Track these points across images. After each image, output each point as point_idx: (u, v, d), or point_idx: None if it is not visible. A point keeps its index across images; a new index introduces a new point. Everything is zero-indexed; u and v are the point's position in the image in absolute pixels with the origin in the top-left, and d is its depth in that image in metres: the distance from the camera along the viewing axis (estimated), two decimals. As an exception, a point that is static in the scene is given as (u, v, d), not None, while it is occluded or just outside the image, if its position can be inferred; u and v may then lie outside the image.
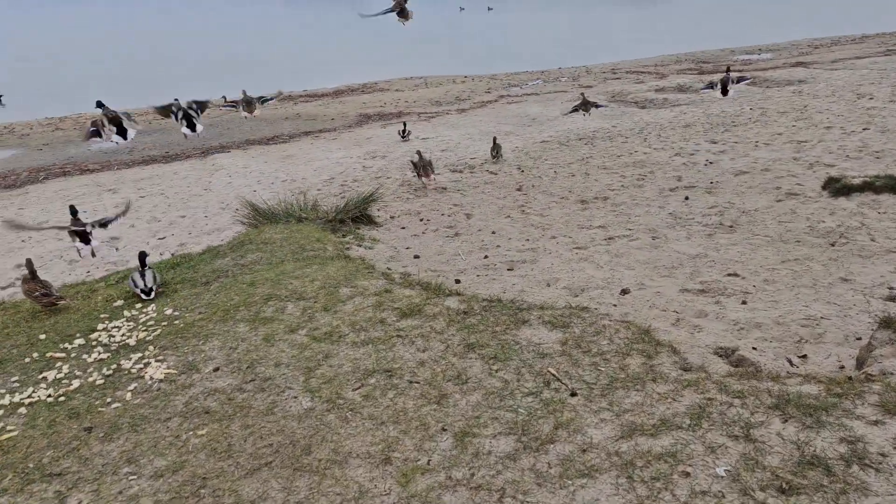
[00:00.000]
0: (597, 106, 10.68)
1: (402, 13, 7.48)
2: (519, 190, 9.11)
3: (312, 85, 21.84)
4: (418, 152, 9.66)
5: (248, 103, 7.69)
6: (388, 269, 5.77)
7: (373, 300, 4.50)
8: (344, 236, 7.08)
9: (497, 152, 10.67)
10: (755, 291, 5.21)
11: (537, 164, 10.43)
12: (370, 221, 7.77)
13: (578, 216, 7.75)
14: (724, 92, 8.24)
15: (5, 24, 62.84)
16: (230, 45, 37.22)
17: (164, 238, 8.18)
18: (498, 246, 6.82)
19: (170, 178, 11.26)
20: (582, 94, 11.93)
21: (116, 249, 7.90)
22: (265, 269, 5.39)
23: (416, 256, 6.60)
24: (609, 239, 6.79)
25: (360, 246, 6.83)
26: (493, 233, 7.31)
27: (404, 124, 13.42)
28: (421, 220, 8.01)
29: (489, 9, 56.62)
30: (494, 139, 10.85)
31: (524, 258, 6.35)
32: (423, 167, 9.21)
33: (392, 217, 8.20)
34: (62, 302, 4.98)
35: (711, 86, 8.49)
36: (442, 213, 8.23)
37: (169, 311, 4.76)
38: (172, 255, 7.15)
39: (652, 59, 23.91)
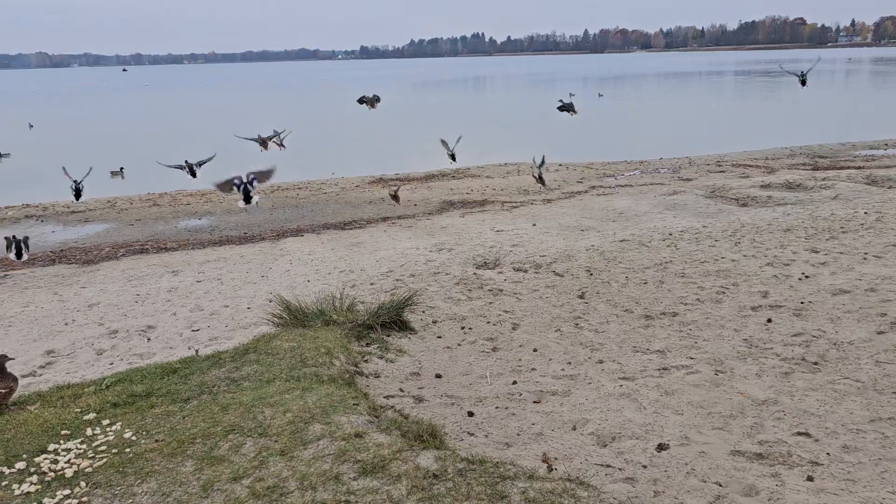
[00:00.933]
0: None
1: (264, 144, 7.42)
2: (581, 297, 8.27)
3: (408, 168, 21.97)
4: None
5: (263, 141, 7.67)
6: (389, 396, 5.11)
7: (338, 446, 3.83)
8: (368, 345, 6.50)
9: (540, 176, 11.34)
10: (828, 463, 4.13)
11: (609, 266, 9.56)
12: (405, 327, 7.16)
13: (637, 335, 6.81)
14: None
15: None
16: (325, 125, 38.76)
17: (198, 330, 7.91)
18: (533, 369, 6.01)
19: (234, 262, 11.21)
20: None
21: (148, 340, 7.68)
22: (250, 388, 4.86)
23: (438, 376, 5.90)
24: (663, 370, 5.82)
25: (382, 358, 6.21)
26: (535, 350, 6.51)
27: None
28: (462, 328, 7.33)
29: (599, 95, 56.50)
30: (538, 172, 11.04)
31: (557, 388, 5.50)
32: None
33: (434, 322, 7.56)
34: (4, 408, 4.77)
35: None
36: (488, 321, 7.51)
37: (128, 435, 4.29)
38: (196, 352, 6.81)
39: (762, 152, 22.48)
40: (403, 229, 13.34)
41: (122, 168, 22.33)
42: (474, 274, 9.57)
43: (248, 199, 8.83)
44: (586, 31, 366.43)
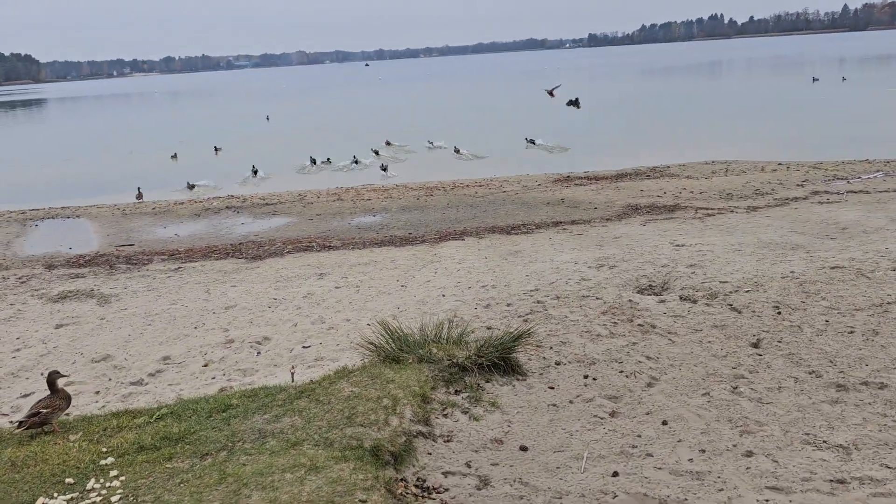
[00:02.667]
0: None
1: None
2: (755, 346, 6.49)
3: (602, 165, 20.33)
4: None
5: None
6: (449, 472, 4.06)
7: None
8: (457, 392, 5.46)
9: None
10: None
11: (808, 303, 7.53)
12: (513, 370, 6.00)
13: (817, 415, 5.03)
14: None
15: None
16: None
17: (309, 347, 7.41)
18: (649, 454, 4.58)
19: (381, 267, 10.71)
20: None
21: (258, 353, 7.32)
22: (269, 451, 4.09)
23: (523, 449, 4.70)
24: (839, 482, 4.10)
25: (467, 413, 5.15)
26: (664, 423, 5.03)
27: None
28: (585, 376, 6.00)
29: (843, 79, 49.19)
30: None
31: (671, 493, 4.06)
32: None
33: (557, 364, 6.31)
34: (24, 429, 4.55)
35: None
36: (622, 370, 6.10)
37: (115, 500, 3.73)
38: (292, 376, 6.27)
39: None
40: (571, 237, 12.00)
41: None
42: (629, 301, 8.07)
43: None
44: (845, 5, 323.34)
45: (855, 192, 14.08)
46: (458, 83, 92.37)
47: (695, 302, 7.97)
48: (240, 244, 13.40)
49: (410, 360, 5.91)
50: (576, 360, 6.41)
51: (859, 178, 15.63)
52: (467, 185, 18.06)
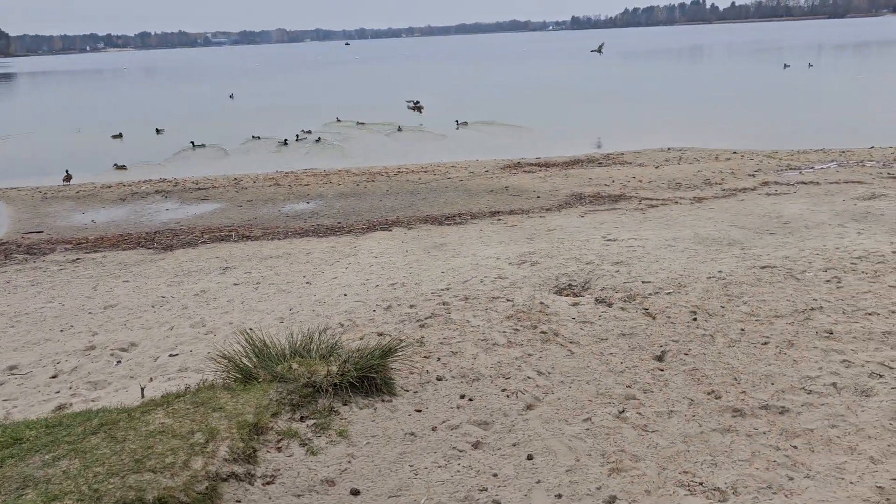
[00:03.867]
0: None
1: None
2: (658, 359, 5.87)
3: (559, 150, 19.64)
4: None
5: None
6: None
7: None
8: (303, 419, 4.77)
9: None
10: None
11: (727, 308, 6.92)
12: (381, 389, 5.31)
13: (702, 448, 4.40)
14: None
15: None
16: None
17: (176, 355, 6.66)
18: (496, 502, 3.92)
19: (293, 261, 9.97)
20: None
21: (117, 363, 6.56)
22: (14, 508, 3.36)
23: (355, 493, 4.02)
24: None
25: (305, 446, 4.46)
26: (530, 458, 4.38)
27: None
28: (462, 396, 5.33)
29: (809, 65, 49.05)
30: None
31: (503, 555, 3.41)
32: None
33: (439, 379, 5.64)
34: None
35: None
36: (505, 388, 5.43)
37: None
38: (142, 392, 5.56)
39: None
40: (504, 229, 11.32)
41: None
42: (541, 304, 7.41)
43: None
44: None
45: (805, 184, 13.53)
46: (434, 63, 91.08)
47: (610, 305, 7.34)
48: (156, 232, 12.57)
49: (262, 379, 5.20)
50: (460, 376, 5.74)
51: (812, 168, 15.10)
52: (412, 171, 17.30)
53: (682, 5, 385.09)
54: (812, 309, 6.74)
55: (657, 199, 12.93)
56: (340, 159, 20.24)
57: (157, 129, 28.37)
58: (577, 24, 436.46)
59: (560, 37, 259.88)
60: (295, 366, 5.39)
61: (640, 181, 14.76)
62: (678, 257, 8.90)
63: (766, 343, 6.05)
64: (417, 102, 32.40)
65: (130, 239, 12.08)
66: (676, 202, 12.60)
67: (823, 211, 11.11)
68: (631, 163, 17.07)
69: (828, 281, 7.54)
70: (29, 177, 19.68)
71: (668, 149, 18.78)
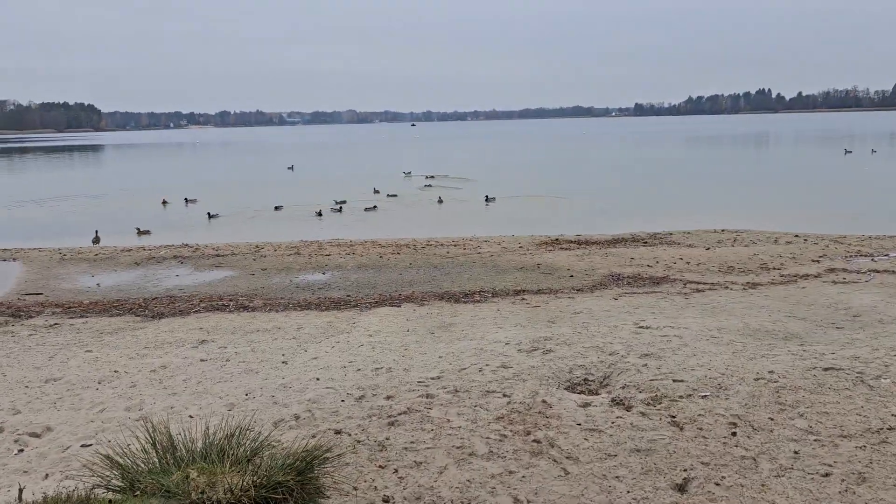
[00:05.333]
0: None
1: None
2: (679, 490, 4.43)
3: (601, 228, 18.35)
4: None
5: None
6: None
7: None
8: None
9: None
10: None
11: (777, 421, 5.42)
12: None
13: None
14: None
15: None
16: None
17: (89, 445, 5.53)
18: None
19: (279, 336, 8.87)
20: None
21: (20, 451, 5.45)
22: None
23: None
24: None
25: None
26: None
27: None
28: (402, 528, 3.99)
29: (872, 151, 47.01)
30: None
31: None
32: None
33: (385, 502, 4.33)
34: None
35: None
36: (465, 519, 4.07)
37: None
38: (19, 494, 4.45)
39: None
40: (525, 310, 10.01)
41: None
42: (543, 402, 6.05)
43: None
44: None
45: (879, 272, 11.82)
46: (491, 142, 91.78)
47: (628, 408, 5.91)
48: (154, 299, 11.74)
49: (142, 491, 4.00)
50: (413, 498, 4.41)
51: (887, 255, 13.34)
52: (441, 244, 16.24)
53: (746, 94, 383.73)
54: (890, 429, 5.18)
55: (704, 283, 11.43)
56: (371, 230, 19.44)
57: (185, 199, 28.30)
58: (640, 110, 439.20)
59: (622, 122, 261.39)
60: (194, 474, 4.17)
61: (688, 263, 13.28)
62: (721, 351, 7.41)
63: (827, 475, 4.53)
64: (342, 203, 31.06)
65: (124, 305, 11.26)
66: (726, 287, 11.08)
67: (902, 304, 9.44)
68: (679, 243, 15.61)
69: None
70: (64, 237, 19.53)
71: (723, 230, 17.24)
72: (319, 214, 22.80)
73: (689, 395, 6.11)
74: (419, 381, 6.82)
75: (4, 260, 15.80)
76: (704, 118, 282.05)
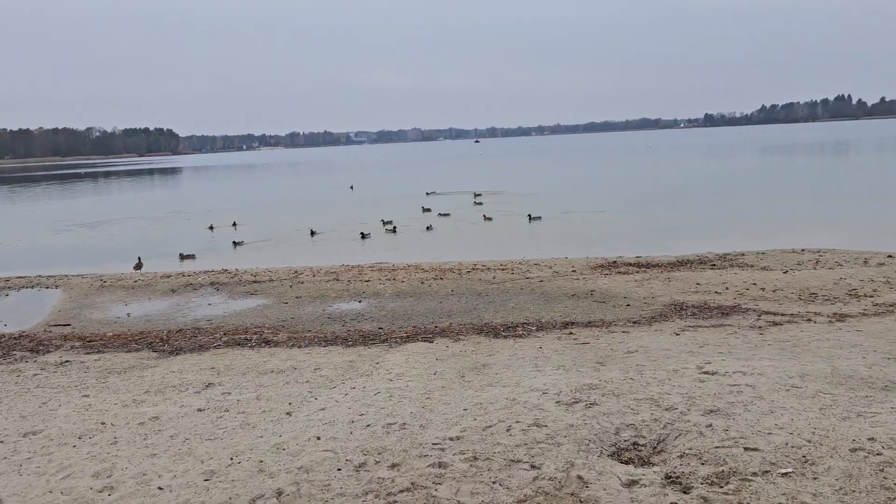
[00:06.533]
0: None
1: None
2: None
3: (665, 248, 16.92)
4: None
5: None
6: None
7: None
8: None
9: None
10: None
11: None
12: None
13: None
14: None
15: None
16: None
17: (33, 525, 4.70)
18: None
19: (293, 378, 7.98)
20: None
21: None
22: None
23: None
24: None
25: None
26: None
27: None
28: None
29: None
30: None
31: None
32: None
33: None
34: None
35: None
36: None
37: None
38: None
39: None
40: (572, 347, 8.84)
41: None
42: (578, 478, 4.91)
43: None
44: None
45: None
46: (552, 157, 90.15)
47: (687, 490, 4.71)
48: (178, 331, 11.08)
49: None
50: None
51: None
52: (487, 269, 15.16)
53: (825, 101, 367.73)
54: None
55: (782, 315, 9.97)
56: (417, 252, 18.54)
57: (233, 223, 28.06)
58: (710, 121, 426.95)
59: (691, 133, 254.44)
60: None
61: (763, 289, 11.79)
62: (805, 407, 6.08)
63: None
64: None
65: (146, 338, 10.63)
66: (809, 319, 9.60)
67: None
68: (753, 265, 14.06)
69: None
70: (112, 262, 19.40)
71: (802, 250, 15.53)
72: (363, 236, 22.07)
73: (766, 472, 4.85)
74: (434, 443, 5.76)
75: (47, 287, 15.59)
76: (779, 127, 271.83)
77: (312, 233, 23.71)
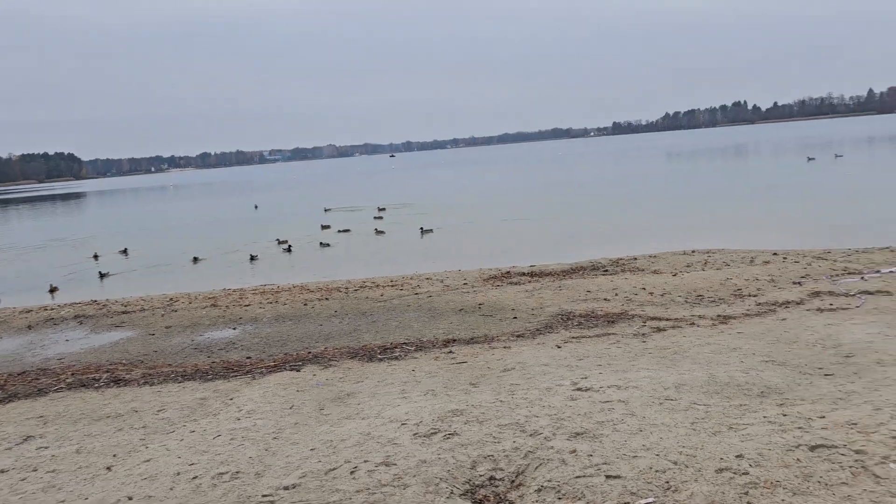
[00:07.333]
0: None
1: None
2: None
3: (561, 256, 16.65)
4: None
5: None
6: None
7: None
8: None
9: None
10: None
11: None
12: None
13: None
14: None
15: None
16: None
17: None
18: None
19: (129, 423, 7.02)
20: None
21: None
22: None
23: None
24: None
25: None
26: None
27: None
28: None
29: (837, 156, 46.51)
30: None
31: None
32: None
33: None
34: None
35: None
36: None
37: None
38: None
39: None
40: (448, 367, 8.22)
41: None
42: None
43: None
44: (870, 90, 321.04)
45: (871, 294, 10.14)
46: (464, 168, 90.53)
47: (536, 535, 4.10)
48: (20, 374, 9.85)
49: None
50: None
51: (878, 272, 11.68)
52: (377, 286, 14.45)
53: (723, 107, 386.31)
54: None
55: (668, 320, 9.69)
56: (307, 271, 17.66)
57: (123, 250, 26.43)
58: (618, 129, 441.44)
59: (600, 142, 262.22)
60: None
61: (651, 293, 11.56)
62: (676, 422, 5.63)
63: None
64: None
65: (-20, 383, 9.36)
66: (693, 323, 9.34)
67: (902, 336, 7.73)
68: (644, 269, 13.90)
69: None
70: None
71: (692, 251, 15.56)
72: (252, 258, 20.99)
73: (624, 505, 4.32)
74: (265, 495, 4.99)
75: None
76: (681, 133, 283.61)
77: (195, 259, 22.28)
